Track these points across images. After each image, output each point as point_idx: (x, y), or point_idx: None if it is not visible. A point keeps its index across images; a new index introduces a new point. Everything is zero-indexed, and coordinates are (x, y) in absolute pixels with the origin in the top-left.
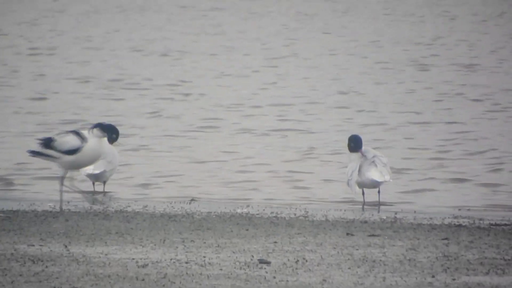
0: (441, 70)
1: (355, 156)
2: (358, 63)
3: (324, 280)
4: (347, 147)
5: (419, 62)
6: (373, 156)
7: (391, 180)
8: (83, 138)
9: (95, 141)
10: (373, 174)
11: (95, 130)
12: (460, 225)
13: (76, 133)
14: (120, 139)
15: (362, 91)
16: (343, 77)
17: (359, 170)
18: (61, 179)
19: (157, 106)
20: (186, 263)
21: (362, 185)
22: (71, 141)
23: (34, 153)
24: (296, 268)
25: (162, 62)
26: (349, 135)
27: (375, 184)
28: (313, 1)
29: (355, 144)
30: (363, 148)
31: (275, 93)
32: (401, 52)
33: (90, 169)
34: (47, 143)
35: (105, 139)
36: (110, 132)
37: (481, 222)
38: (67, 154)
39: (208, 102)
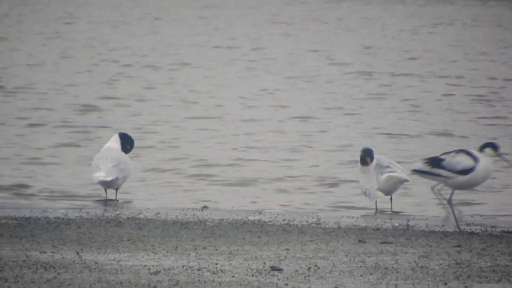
0: None
1: (367, 168)
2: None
3: (337, 287)
4: (359, 161)
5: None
6: (388, 163)
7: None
8: (475, 158)
9: (487, 161)
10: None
11: (488, 150)
12: (472, 233)
13: (467, 152)
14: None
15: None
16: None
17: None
18: (449, 200)
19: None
20: (198, 270)
21: (385, 190)
22: (464, 161)
23: (419, 172)
24: (308, 275)
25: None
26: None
27: (402, 182)
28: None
29: (367, 157)
30: (376, 156)
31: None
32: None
33: (102, 176)
34: (435, 162)
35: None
36: (126, 142)
37: (494, 229)
38: (460, 174)
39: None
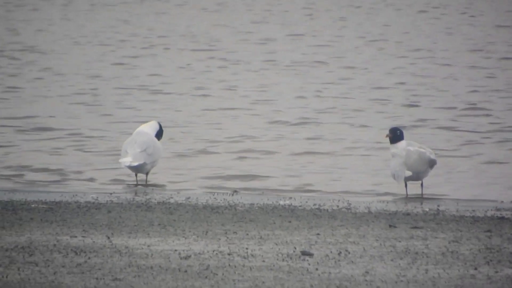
0: None
1: (397, 148)
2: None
3: (367, 272)
4: (389, 140)
5: None
6: (417, 145)
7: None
8: None
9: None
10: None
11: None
12: (503, 218)
13: None
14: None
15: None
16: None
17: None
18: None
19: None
20: (229, 254)
21: (414, 171)
22: None
23: None
24: (339, 260)
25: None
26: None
27: (431, 163)
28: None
29: (396, 135)
30: (405, 141)
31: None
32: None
33: (128, 161)
34: None
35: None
36: (160, 133)
37: None
38: None
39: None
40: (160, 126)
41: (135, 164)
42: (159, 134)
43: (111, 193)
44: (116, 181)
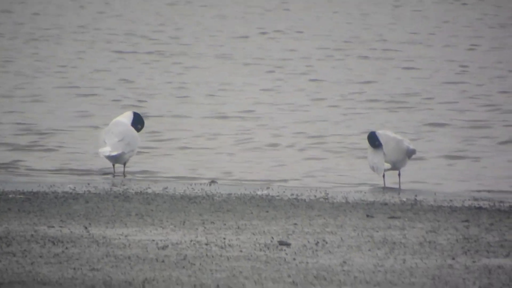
0: None
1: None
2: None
3: (344, 262)
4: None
5: None
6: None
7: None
8: None
9: None
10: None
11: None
12: (480, 208)
13: None
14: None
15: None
16: None
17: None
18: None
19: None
20: (206, 244)
21: (392, 161)
22: None
23: None
24: (316, 250)
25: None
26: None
27: (411, 154)
28: None
29: (375, 141)
30: (379, 131)
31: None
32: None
33: (107, 151)
34: None
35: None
36: (138, 122)
37: (502, 204)
38: None
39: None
40: (140, 116)
41: (114, 154)
42: (136, 124)
43: (88, 183)
44: (93, 171)
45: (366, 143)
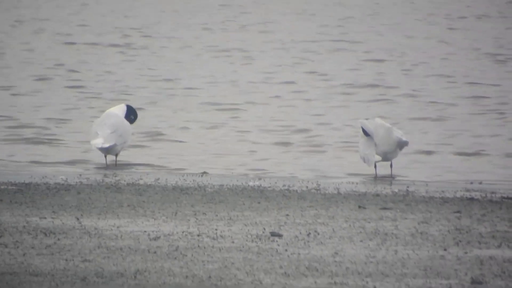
0: None
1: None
2: None
3: (336, 253)
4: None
5: None
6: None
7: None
8: None
9: None
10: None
11: None
12: (472, 198)
13: None
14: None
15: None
16: None
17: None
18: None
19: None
20: (198, 236)
21: (384, 152)
22: None
23: None
24: (308, 241)
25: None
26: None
27: (402, 146)
28: None
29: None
30: (368, 120)
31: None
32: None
33: (99, 143)
34: None
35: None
36: (131, 113)
37: (493, 195)
38: None
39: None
40: (133, 109)
41: (107, 145)
42: (129, 116)
43: (80, 175)
44: (85, 162)
45: (358, 133)
